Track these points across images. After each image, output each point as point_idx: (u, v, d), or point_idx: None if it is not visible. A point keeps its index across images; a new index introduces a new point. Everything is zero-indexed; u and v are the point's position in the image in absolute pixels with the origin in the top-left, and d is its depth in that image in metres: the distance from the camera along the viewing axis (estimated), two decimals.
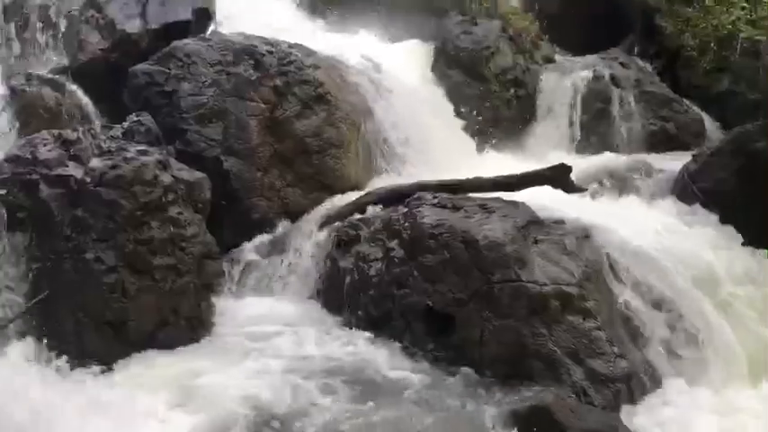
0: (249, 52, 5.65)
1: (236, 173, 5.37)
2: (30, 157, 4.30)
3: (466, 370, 4.02)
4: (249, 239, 5.37)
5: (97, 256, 4.14)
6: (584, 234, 4.64)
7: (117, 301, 4.15)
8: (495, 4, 8.01)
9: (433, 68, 7.19)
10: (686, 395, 4.07)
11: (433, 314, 4.33)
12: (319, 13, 7.70)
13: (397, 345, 4.27)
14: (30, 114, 5.19)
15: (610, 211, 5.28)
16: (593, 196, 5.55)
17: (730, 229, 5.19)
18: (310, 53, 6.01)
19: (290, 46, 5.93)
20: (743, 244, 5.09)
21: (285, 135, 5.62)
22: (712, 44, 7.57)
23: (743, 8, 7.53)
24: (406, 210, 4.77)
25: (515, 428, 3.46)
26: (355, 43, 6.99)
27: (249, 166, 5.43)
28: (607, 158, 6.42)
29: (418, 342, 4.29)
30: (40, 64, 5.96)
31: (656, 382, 4.20)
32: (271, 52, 5.72)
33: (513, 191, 5.00)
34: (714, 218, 5.28)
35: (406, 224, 4.64)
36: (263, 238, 5.38)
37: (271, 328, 4.59)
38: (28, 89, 5.29)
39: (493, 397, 3.79)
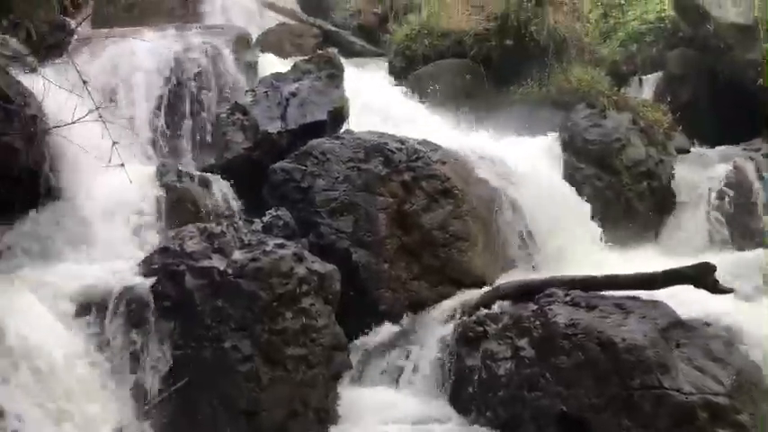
0: (379, 149, 5.87)
1: (365, 264, 5.48)
2: (178, 249, 4.61)
3: None
4: (375, 331, 5.39)
5: (234, 345, 4.29)
6: (734, 339, 4.30)
7: (251, 391, 4.25)
8: (623, 95, 7.92)
9: (561, 161, 7.12)
10: None
11: (566, 419, 4.11)
12: (445, 110, 7.91)
13: None
14: (180, 208, 5.61)
15: (761, 313, 4.86)
16: (741, 297, 5.15)
17: None
18: (437, 148, 6.15)
19: (419, 142, 6.11)
20: None
21: (412, 228, 5.71)
22: None
23: None
24: (536, 307, 4.64)
25: None
26: (481, 137, 7.09)
27: (377, 258, 5.53)
28: (756, 255, 5.97)
29: None
30: (189, 162, 6.49)
31: None
32: (400, 149, 5.91)
33: (650, 289, 4.74)
34: None
35: (537, 322, 4.51)
36: (388, 330, 5.39)
37: (396, 424, 4.53)
38: (179, 185, 5.74)
39: None
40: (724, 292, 4.63)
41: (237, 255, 4.49)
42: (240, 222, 4.97)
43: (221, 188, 5.69)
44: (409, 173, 5.83)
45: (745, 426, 3.83)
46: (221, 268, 4.42)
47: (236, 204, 5.64)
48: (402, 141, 6.03)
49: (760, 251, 6.08)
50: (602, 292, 4.75)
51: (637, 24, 9.42)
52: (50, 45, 6.01)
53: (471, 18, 8.91)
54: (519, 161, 6.54)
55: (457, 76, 8.69)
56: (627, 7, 9.78)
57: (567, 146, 7.21)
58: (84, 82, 4.08)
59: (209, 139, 6.55)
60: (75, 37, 6.71)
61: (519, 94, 8.34)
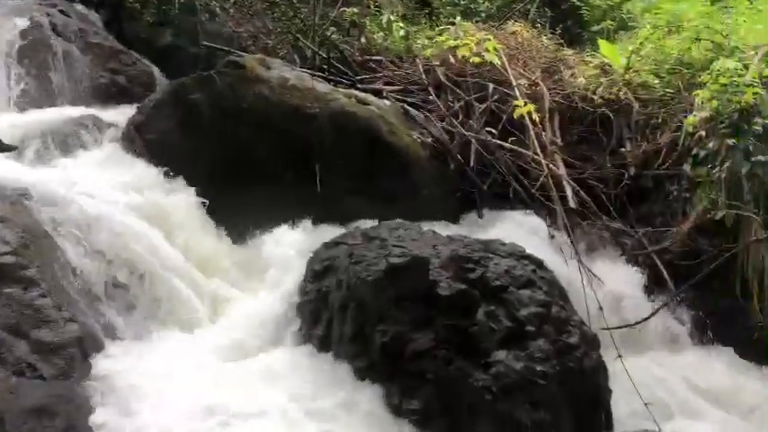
0: None
1: None
2: None
3: None
4: None
5: None
6: (21, 198, 4.27)
7: None
8: None
9: None
10: (137, 346, 4.19)
11: None
12: None
13: None
14: None
15: (52, 170, 4.97)
16: (33, 155, 5.12)
17: (180, 181, 5.35)
18: None
19: None
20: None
21: None
22: None
23: None
24: None
25: None
26: None
27: None
28: (50, 114, 5.90)
29: None
30: None
31: (113, 337, 4.21)
32: None
33: None
34: (161, 170, 5.34)
35: None
36: None
37: None
38: None
39: None
40: (7, 149, 4.50)
41: None
42: None
43: None
44: None
45: (33, 279, 3.87)
46: None
47: None
48: None
49: (54, 109, 6.07)
50: None
51: None
52: None
53: None
54: None
55: None
56: None
57: None
58: None
59: None
60: None
61: None
